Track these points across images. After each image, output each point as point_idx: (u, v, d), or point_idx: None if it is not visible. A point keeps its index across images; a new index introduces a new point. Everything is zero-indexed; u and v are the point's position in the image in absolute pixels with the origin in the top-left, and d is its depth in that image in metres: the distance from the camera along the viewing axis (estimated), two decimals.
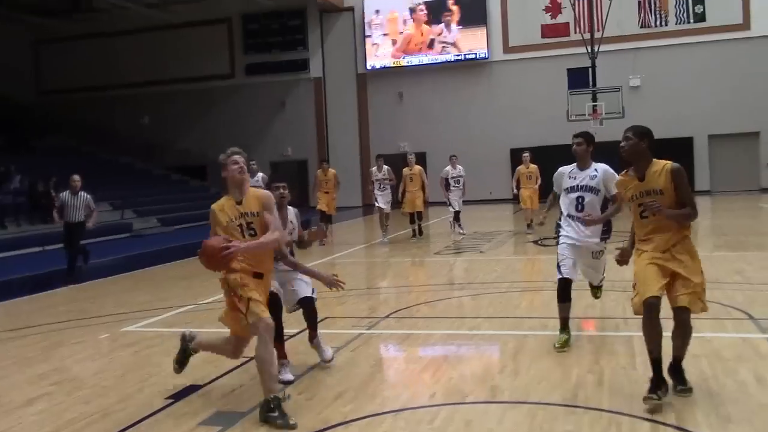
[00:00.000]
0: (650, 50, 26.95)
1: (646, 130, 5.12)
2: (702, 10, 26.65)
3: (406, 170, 16.04)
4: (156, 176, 29.56)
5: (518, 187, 16.31)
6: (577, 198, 6.26)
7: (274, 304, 5.33)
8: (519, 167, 16.54)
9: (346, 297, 9.01)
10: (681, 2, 26.91)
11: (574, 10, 26.17)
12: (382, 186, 15.73)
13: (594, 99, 23.64)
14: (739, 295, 8.01)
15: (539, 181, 15.83)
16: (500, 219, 21.65)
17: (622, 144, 5.08)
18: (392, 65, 29.81)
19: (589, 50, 24.20)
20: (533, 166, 16.23)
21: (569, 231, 6.28)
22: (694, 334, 6.45)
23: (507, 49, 28.70)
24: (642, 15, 27.26)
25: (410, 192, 15.84)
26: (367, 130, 30.36)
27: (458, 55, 29.04)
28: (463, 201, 16.46)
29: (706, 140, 26.73)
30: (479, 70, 29.04)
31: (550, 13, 28.10)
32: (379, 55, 29.90)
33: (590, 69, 24.27)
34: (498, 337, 6.87)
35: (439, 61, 29.31)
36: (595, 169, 6.27)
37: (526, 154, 16.44)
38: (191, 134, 31.19)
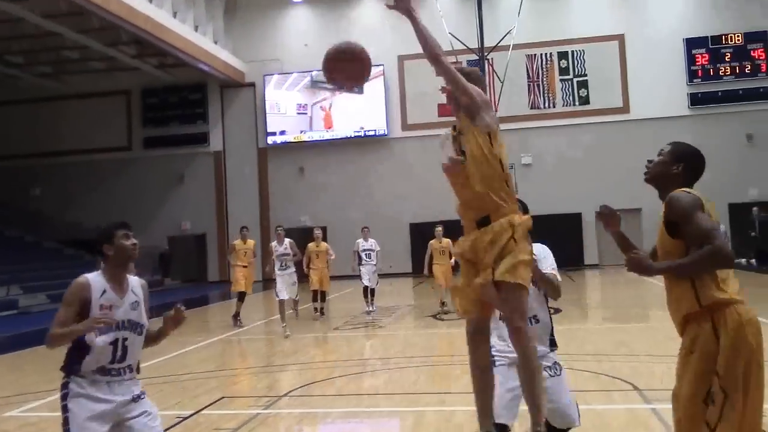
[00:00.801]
0: (540, 130, 28.39)
1: (689, 151, 3.60)
2: (586, 93, 28.43)
3: (312, 245, 15.27)
4: (47, 250, 28.30)
5: (430, 263, 14.94)
6: None
7: None
8: (431, 242, 15.27)
9: (242, 376, 8.85)
10: (567, 86, 28.63)
11: None
12: (284, 264, 13.30)
13: None
14: (625, 367, 8.35)
15: (453, 257, 14.21)
16: (400, 293, 21.85)
17: (649, 165, 3.66)
18: (293, 140, 30.08)
19: None
20: (446, 240, 14.94)
21: None
22: (584, 406, 6.68)
23: (405, 126, 29.57)
24: (532, 97, 28.80)
25: (318, 269, 15.10)
26: (268, 204, 30.30)
27: (358, 131, 29.66)
28: (378, 275, 15.83)
29: (593, 216, 28.09)
30: (379, 146, 29.72)
31: (446, 93, 29.16)
32: (280, 129, 30.14)
33: None
34: (396, 414, 6.89)
35: (339, 136, 29.80)
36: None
37: (439, 228, 15.30)
38: (85, 207, 30.23)
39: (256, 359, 10.53)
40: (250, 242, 15.00)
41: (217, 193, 30.73)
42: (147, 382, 5.19)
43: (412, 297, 20.31)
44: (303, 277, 15.01)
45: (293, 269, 13.45)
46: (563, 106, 28.58)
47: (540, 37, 28.29)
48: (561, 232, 28.02)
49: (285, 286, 13.03)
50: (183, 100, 30.79)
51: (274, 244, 13.69)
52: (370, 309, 15.24)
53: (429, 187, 28.48)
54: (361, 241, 15.83)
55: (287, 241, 13.58)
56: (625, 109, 28.15)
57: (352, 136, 29.73)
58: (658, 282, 14.98)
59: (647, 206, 27.40)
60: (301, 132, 30.06)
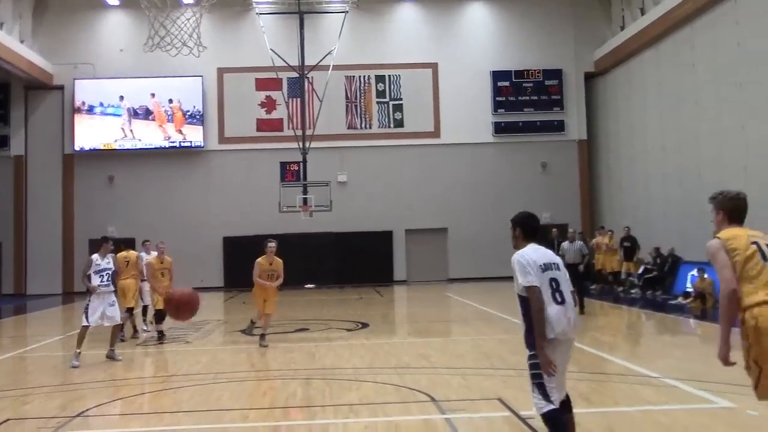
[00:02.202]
0: (356, 149, 29.14)
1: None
2: (401, 117, 29.59)
3: (155, 261, 13.31)
4: None
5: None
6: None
7: None
8: (259, 260, 12.41)
9: (33, 396, 8.34)
10: (383, 109, 29.64)
11: (287, 107, 27.58)
12: (104, 278, 11.03)
13: (305, 192, 24.83)
14: (425, 379, 8.81)
15: (281, 279, 12.35)
16: (210, 308, 21.42)
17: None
18: (102, 147, 28.65)
19: (301, 146, 25.53)
20: (278, 260, 12.42)
21: None
22: (383, 418, 6.99)
23: (223, 139, 29.17)
24: (349, 117, 29.51)
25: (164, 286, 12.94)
26: (72, 213, 28.59)
27: (173, 143, 28.83)
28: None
29: (403, 234, 29.20)
30: (195, 159, 29.06)
31: (265, 108, 29.25)
32: (89, 136, 28.60)
33: (302, 164, 25.55)
34: (197, 431, 6.81)
35: (153, 146, 28.79)
36: None
37: (272, 244, 12.47)
38: None
39: (49, 377, 9.94)
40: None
41: (16, 199, 28.54)
42: None
43: (222, 312, 20.00)
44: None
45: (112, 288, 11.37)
46: (379, 127, 29.53)
47: (359, 60, 29.11)
48: (372, 249, 28.96)
49: (102, 307, 10.93)
50: None
51: (95, 256, 11.23)
52: (148, 330, 14.11)
53: (244, 201, 28.32)
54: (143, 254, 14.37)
55: (111, 255, 11.44)
56: (436, 133, 29.60)
57: (167, 146, 28.83)
58: (460, 298, 15.81)
59: (453, 226, 28.95)
60: (114, 141, 28.68)
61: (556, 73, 29.95)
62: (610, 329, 14.93)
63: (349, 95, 29.51)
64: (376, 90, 29.63)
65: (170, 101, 28.80)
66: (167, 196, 28.66)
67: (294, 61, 25.58)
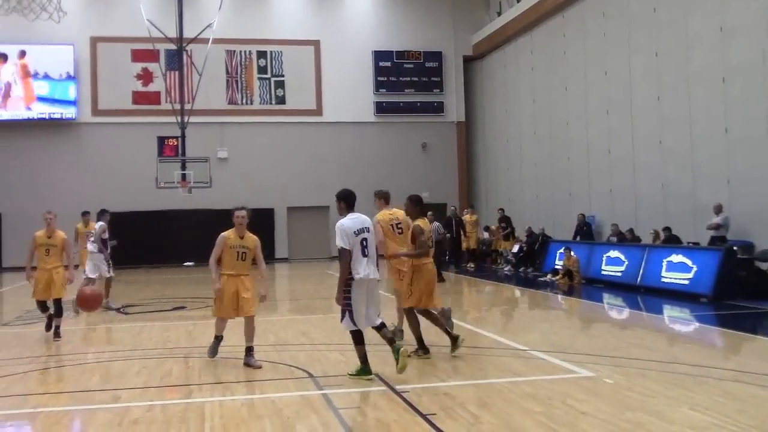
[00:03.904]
0: (237, 125, 28.68)
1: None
2: (283, 93, 29.32)
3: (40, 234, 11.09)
4: None
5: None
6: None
7: None
8: (225, 234, 11.19)
9: None
10: (265, 85, 29.26)
11: (165, 80, 26.70)
12: None
13: (183, 168, 24.20)
14: (303, 356, 8.88)
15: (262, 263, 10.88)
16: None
17: None
18: None
19: (179, 120, 24.83)
20: (252, 236, 11.45)
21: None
22: (260, 395, 7.03)
23: (96, 111, 27.93)
24: (230, 92, 28.95)
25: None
26: None
27: (42, 114, 27.32)
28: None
29: (285, 212, 29.06)
30: (66, 131, 27.68)
31: (141, 81, 28.20)
32: None
33: (180, 138, 24.86)
34: (66, 414, 6.60)
35: (19, 117, 27.19)
36: None
37: (242, 213, 9.50)
38: None
39: None
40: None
41: None
42: None
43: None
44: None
45: None
46: (260, 103, 29.17)
47: (240, 34, 28.59)
48: (253, 227, 28.48)
49: None
50: None
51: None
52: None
53: (120, 178, 27.28)
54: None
55: None
56: (318, 111, 29.56)
57: (35, 118, 27.30)
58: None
59: (334, 204, 29.08)
60: None
61: (436, 56, 30.53)
62: (483, 305, 15.54)
63: (229, 70, 28.94)
64: (258, 66, 29.21)
65: (36, 72, 27.27)
66: (37, 170, 27.20)
67: (172, 33, 24.73)
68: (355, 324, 7.39)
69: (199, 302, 15.25)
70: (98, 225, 13.84)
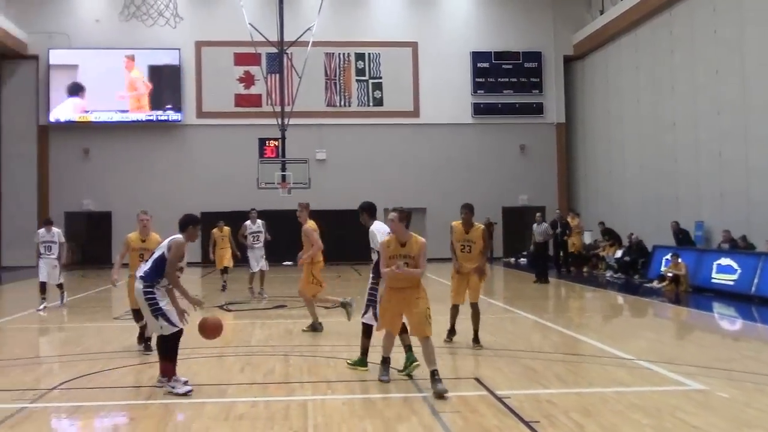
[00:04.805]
0: (335, 127, 29.06)
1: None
2: (380, 95, 29.51)
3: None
4: None
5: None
6: None
7: None
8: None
9: (10, 368, 8.30)
10: (363, 87, 29.53)
11: (266, 83, 27.36)
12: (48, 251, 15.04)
13: (283, 169, 24.70)
14: (403, 358, 8.85)
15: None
16: (189, 282, 21.31)
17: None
18: (78, 120, 28.28)
19: (280, 122, 25.36)
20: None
21: None
22: (360, 395, 7.03)
23: (200, 113, 28.92)
24: (329, 95, 29.37)
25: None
26: (47, 186, 28.22)
27: (150, 116, 28.52)
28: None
29: (382, 213, 29.16)
30: (172, 132, 28.80)
31: (243, 83, 29.00)
32: (64, 107, 28.18)
33: (280, 140, 25.40)
34: (176, 406, 6.81)
35: (129, 119, 28.49)
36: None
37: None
38: None
39: (24, 350, 9.87)
40: (226, 229, 17.97)
41: None
42: None
43: (200, 287, 19.94)
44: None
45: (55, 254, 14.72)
46: (358, 105, 29.45)
47: (339, 37, 28.95)
48: (351, 227, 28.83)
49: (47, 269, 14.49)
50: None
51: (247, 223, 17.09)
52: (263, 294, 16.14)
53: (222, 178, 28.15)
54: (249, 223, 16.82)
55: (55, 230, 15.19)
56: (415, 113, 29.59)
57: (144, 120, 28.55)
58: (434, 277, 15.78)
59: (432, 206, 29.04)
60: (86, 112, 28.30)
61: (536, 56, 30.01)
62: (586, 311, 15.13)
63: (328, 72, 29.35)
64: (356, 68, 29.50)
65: (144, 76, 28.50)
66: (143, 170, 28.44)
67: (273, 37, 25.29)
68: (377, 320, 7.76)
69: (299, 301, 15.47)
70: (261, 222, 16.94)
